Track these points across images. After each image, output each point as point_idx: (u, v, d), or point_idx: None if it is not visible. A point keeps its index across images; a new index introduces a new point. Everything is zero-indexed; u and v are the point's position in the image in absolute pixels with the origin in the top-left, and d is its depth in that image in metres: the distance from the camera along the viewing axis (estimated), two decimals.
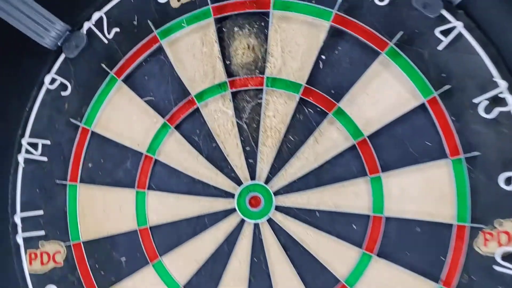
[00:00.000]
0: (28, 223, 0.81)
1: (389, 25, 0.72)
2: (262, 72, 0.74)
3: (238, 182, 0.74)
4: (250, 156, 0.75)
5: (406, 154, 0.70)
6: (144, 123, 0.78)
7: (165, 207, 0.76)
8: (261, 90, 0.74)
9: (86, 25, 0.79)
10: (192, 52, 0.76)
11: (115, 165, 0.79)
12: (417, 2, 0.70)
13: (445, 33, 0.70)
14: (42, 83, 0.81)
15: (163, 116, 0.77)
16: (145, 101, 0.77)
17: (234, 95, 0.75)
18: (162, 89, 0.78)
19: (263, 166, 0.74)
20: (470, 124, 0.69)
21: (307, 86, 0.73)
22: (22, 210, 0.81)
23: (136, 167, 0.77)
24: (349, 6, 0.72)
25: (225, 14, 0.75)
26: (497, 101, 0.68)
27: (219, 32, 0.76)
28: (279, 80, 0.74)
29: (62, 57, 0.80)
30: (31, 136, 0.81)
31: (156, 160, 0.77)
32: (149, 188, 0.77)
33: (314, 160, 0.73)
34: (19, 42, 0.78)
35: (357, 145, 0.71)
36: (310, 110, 0.74)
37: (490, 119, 0.68)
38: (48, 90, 0.81)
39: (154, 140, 0.77)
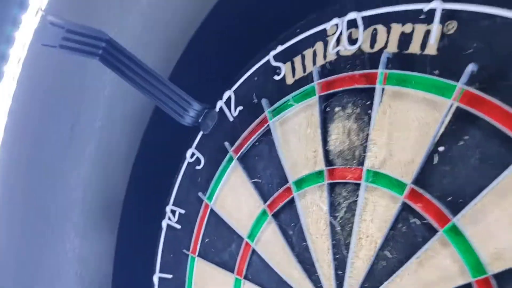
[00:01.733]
0: (163, 284, 0.87)
1: None
2: (361, 163, 0.59)
3: None
4: (340, 267, 0.59)
5: None
6: (249, 206, 0.73)
7: None
8: (360, 185, 0.58)
9: (219, 104, 0.81)
10: (298, 133, 0.67)
11: (224, 245, 0.77)
12: None
13: None
14: (185, 157, 0.87)
15: (265, 201, 0.70)
16: (253, 182, 0.73)
17: (332, 188, 0.62)
18: (268, 172, 0.71)
19: (353, 284, 0.57)
20: None
21: (414, 187, 0.53)
22: (160, 271, 0.88)
23: (238, 251, 0.73)
24: (487, 76, 0.49)
25: (331, 91, 0.63)
26: None
27: (325, 112, 0.65)
28: (382, 175, 0.56)
29: (200, 133, 0.85)
30: (173, 204, 0.88)
31: (253, 249, 0.70)
32: (245, 277, 0.71)
33: None
34: (169, 119, 0.87)
35: (475, 285, 0.47)
36: (416, 220, 0.53)
37: None
38: (188, 163, 0.86)
39: (254, 226, 0.71)
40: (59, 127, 1.13)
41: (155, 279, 0.88)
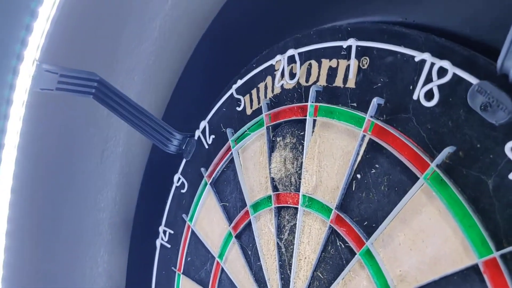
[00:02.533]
0: None
1: (437, 136, 0.48)
2: (298, 189, 0.63)
3: None
4: (285, 286, 0.64)
5: None
6: (220, 227, 0.79)
7: None
8: (298, 209, 0.63)
9: (197, 133, 0.89)
10: (254, 161, 0.73)
11: (202, 263, 0.83)
12: (472, 100, 0.44)
13: None
14: (173, 181, 0.95)
15: (230, 223, 0.76)
16: (222, 205, 0.79)
17: (279, 211, 0.67)
18: (233, 196, 0.77)
19: None
20: None
21: (338, 212, 0.57)
22: (155, 287, 0.96)
23: (211, 270, 0.79)
24: (391, 109, 0.53)
25: (275, 122, 0.69)
26: None
27: (273, 142, 0.70)
28: (315, 200, 0.61)
29: (184, 159, 0.92)
30: (165, 225, 0.96)
31: (222, 268, 0.77)
32: None
33: None
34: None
35: None
36: (341, 244, 0.57)
37: None
38: (176, 187, 0.94)
39: (223, 246, 0.77)
40: (92, 151, 1.24)
41: None
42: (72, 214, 1.27)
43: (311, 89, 0.62)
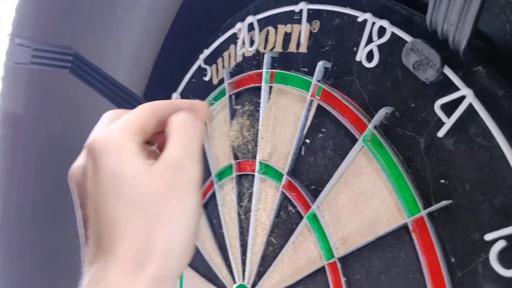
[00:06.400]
0: None
1: (378, 97, 0.47)
2: (254, 156, 0.63)
3: (234, 279, 0.66)
4: (244, 252, 0.65)
5: None
6: None
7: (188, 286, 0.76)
8: (255, 176, 0.63)
9: None
10: (219, 130, 0.73)
11: None
12: (406, 59, 0.43)
13: (449, 109, 0.40)
14: None
15: None
16: None
17: (240, 179, 0.67)
18: (204, 166, 0.78)
19: (253, 268, 0.63)
20: (478, 276, 0.37)
21: (289, 178, 0.57)
22: None
23: None
24: (338, 72, 0.52)
25: (236, 90, 0.68)
26: None
27: (235, 110, 0.70)
28: (270, 167, 0.61)
29: None
30: None
31: None
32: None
33: (291, 277, 0.56)
34: None
35: (327, 268, 0.50)
36: (292, 208, 0.57)
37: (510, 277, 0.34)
38: None
39: None
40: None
41: None
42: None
43: (265, 55, 0.62)
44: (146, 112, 0.38)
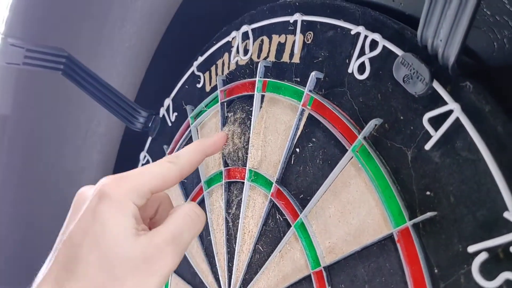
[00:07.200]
0: None
1: (368, 109, 0.48)
2: (244, 164, 0.64)
3: (220, 286, 0.66)
4: (231, 260, 0.65)
5: None
6: (177, 203, 0.79)
7: None
8: (244, 183, 0.63)
9: (162, 111, 0.89)
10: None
11: None
12: (397, 72, 0.44)
13: (436, 122, 0.41)
14: (139, 159, 0.95)
15: (186, 199, 0.77)
16: (180, 182, 0.80)
17: (229, 186, 0.68)
18: (193, 173, 0.78)
19: (239, 275, 0.63)
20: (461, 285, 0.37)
21: (278, 186, 0.57)
22: None
23: None
24: (330, 83, 0.53)
25: (228, 98, 0.69)
26: (507, 260, 0.34)
27: (227, 118, 0.70)
28: (259, 175, 0.61)
29: (150, 137, 0.93)
30: None
31: None
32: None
33: (276, 285, 0.56)
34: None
35: (312, 277, 0.51)
36: (280, 217, 0.58)
37: None
38: (142, 165, 0.95)
39: None
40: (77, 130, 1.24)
41: None
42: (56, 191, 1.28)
43: (259, 64, 0.62)
44: (160, 176, 0.48)
